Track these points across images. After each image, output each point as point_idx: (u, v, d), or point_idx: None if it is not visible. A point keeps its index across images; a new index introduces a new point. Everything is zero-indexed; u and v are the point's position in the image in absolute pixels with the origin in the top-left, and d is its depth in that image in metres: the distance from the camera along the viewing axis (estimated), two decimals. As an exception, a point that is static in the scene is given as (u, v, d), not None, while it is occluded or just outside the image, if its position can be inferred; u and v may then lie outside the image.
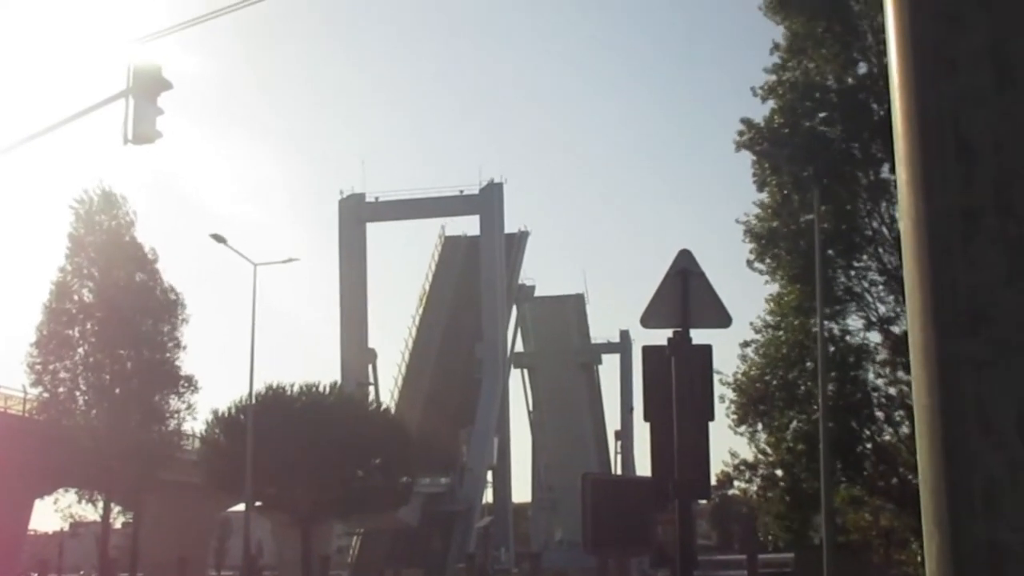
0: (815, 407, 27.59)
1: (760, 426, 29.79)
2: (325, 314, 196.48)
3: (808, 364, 29.04)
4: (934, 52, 1.92)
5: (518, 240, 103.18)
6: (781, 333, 29.85)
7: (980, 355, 1.81)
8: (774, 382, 29.69)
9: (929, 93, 1.93)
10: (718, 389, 23.74)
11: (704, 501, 58.69)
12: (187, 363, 50.77)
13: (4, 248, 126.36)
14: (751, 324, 30.33)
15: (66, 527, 67.53)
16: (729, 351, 30.71)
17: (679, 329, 11.48)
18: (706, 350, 11.65)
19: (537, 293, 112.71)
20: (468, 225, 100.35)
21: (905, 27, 1.97)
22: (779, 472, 30.21)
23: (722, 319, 12.00)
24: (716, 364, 12.01)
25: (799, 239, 28.62)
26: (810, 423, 28.44)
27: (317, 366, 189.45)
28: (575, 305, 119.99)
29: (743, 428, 29.75)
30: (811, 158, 27.78)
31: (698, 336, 11.63)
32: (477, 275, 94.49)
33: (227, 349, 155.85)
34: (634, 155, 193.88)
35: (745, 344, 30.11)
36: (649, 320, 11.80)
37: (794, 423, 29.62)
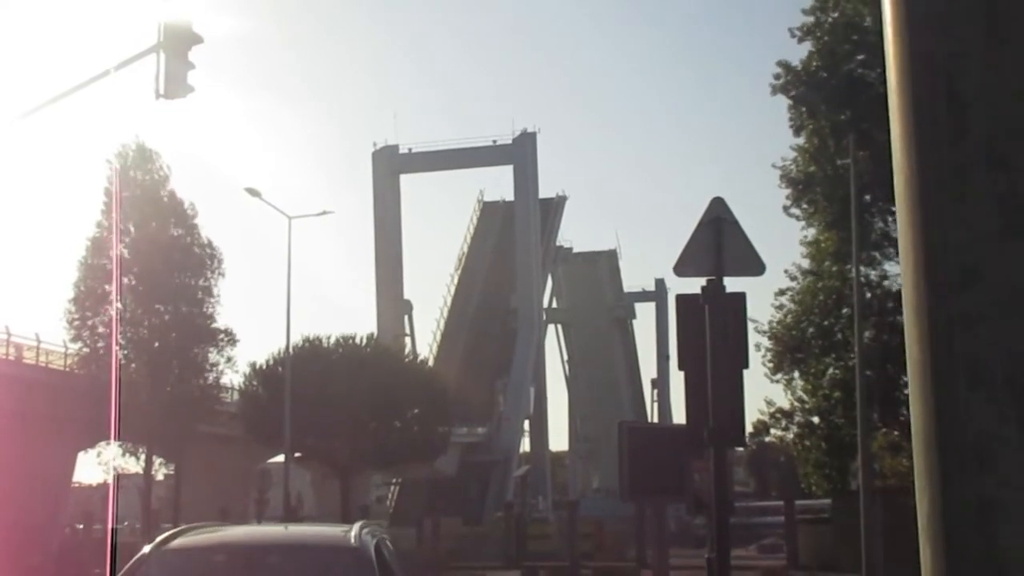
0: (852, 354, 27.51)
1: (796, 374, 29.75)
2: (359, 268, 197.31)
3: (845, 311, 28.92)
4: (926, 4, 1.91)
5: (555, 204, 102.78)
6: (818, 279, 29.72)
7: (972, 311, 1.82)
8: (810, 329, 29.60)
9: (921, 46, 1.92)
10: (753, 338, 23.72)
11: (740, 448, 58.58)
12: (224, 317, 51.22)
13: (40, 206, 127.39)
14: (786, 271, 30.25)
15: (110, 479, 68.45)
16: (763, 300, 30.68)
17: (713, 277, 11.47)
18: (740, 298, 11.64)
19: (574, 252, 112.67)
20: (505, 191, 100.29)
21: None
22: (816, 419, 30.18)
23: (756, 267, 11.98)
24: (749, 313, 12.01)
25: (837, 184, 28.41)
26: (847, 370, 28.38)
27: (352, 319, 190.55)
28: (608, 261, 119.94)
29: (779, 376, 29.74)
30: (849, 102, 27.51)
31: (732, 284, 11.62)
32: (514, 240, 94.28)
33: (264, 304, 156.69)
34: (665, 103, 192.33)
35: (781, 292, 30.03)
36: (683, 268, 11.81)
37: (831, 370, 29.56)
